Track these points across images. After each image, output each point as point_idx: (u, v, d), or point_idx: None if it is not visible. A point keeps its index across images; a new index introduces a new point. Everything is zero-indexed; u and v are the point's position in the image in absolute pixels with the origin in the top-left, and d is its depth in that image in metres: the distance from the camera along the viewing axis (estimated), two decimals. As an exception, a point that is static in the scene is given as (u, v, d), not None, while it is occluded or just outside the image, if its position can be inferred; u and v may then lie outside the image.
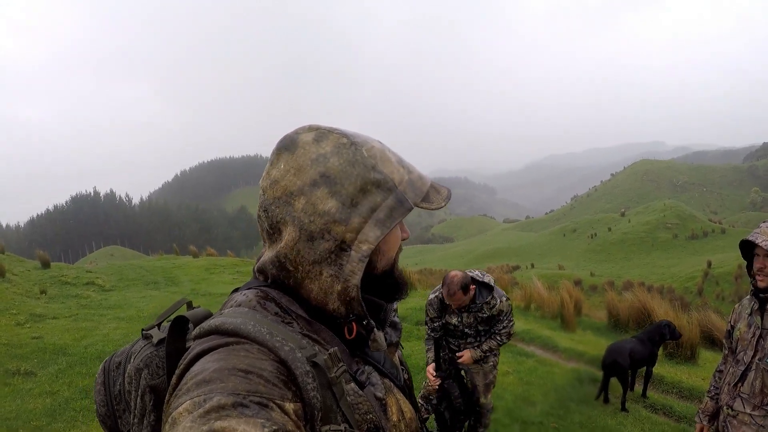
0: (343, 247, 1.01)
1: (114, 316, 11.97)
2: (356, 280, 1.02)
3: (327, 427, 0.89)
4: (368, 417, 0.99)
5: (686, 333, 8.96)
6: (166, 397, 0.85)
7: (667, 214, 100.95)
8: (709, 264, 55.27)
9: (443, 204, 1.13)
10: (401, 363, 1.32)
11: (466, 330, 4.61)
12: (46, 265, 19.87)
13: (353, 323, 1.08)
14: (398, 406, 1.11)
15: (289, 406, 0.82)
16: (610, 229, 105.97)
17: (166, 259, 27.09)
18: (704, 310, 11.08)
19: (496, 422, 5.79)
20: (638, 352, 6.68)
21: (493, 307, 4.46)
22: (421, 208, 1.10)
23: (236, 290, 1.13)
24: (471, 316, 4.52)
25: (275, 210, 1.05)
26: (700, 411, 3.44)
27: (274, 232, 1.07)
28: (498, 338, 4.57)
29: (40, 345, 9.07)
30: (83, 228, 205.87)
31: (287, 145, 1.07)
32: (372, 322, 1.11)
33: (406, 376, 1.29)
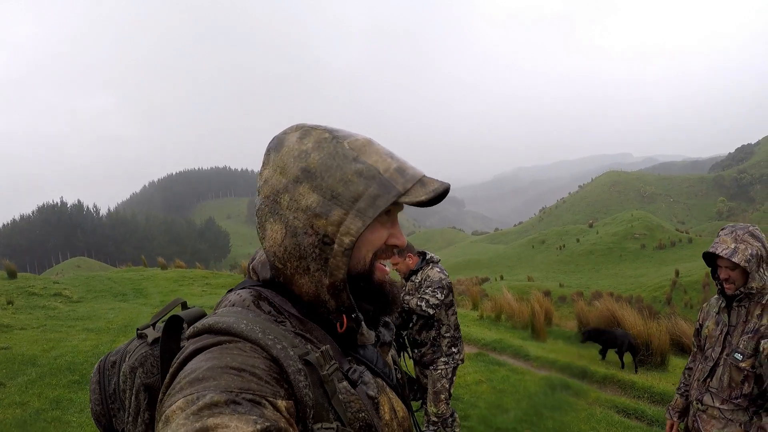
0: (326, 241, 1.01)
1: (83, 327, 11.77)
2: (342, 273, 1.02)
3: (319, 425, 0.89)
4: (360, 415, 1.00)
5: (656, 340, 9.17)
6: (160, 396, 0.85)
7: (635, 225, 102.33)
8: (677, 273, 56.12)
9: (441, 188, 1.05)
10: (394, 362, 1.31)
11: (405, 297, 4.59)
12: (12, 275, 19.53)
13: (343, 316, 1.08)
14: (391, 405, 1.12)
15: (282, 404, 0.83)
16: (578, 241, 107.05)
17: (135, 270, 26.73)
18: (673, 318, 11.22)
19: (470, 429, 5.84)
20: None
21: (426, 275, 4.60)
22: (412, 200, 1.02)
23: (231, 290, 1.14)
24: (410, 284, 4.71)
25: (264, 209, 1.07)
26: (670, 407, 3.52)
27: (263, 231, 1.09)
28: (417, 299, 4.49)
29: (9, 355, 8.91)
30: (50, 238, 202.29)
31: (275, 146, 1.09)
32: (360, 315, 1.09)
33: (398, 375, 1.29)
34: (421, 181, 1.06)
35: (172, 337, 1.10)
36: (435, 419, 4.78)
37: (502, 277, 70.39)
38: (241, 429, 0.71)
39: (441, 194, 1.06)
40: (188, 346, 0.91)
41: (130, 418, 1.19)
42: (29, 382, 7.45)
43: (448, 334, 4.74)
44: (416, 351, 4.80)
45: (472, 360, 9.02)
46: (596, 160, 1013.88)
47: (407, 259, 4.68)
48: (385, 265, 1.14)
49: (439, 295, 4.50)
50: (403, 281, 4.77)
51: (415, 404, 4.50)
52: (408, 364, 4.78)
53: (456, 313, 4.83)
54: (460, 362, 4.81)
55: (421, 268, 4.70)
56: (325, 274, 1.03)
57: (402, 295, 4.51)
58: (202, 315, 1.16)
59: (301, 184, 1.02)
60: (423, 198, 1.02)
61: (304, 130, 1.08)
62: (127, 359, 1.26)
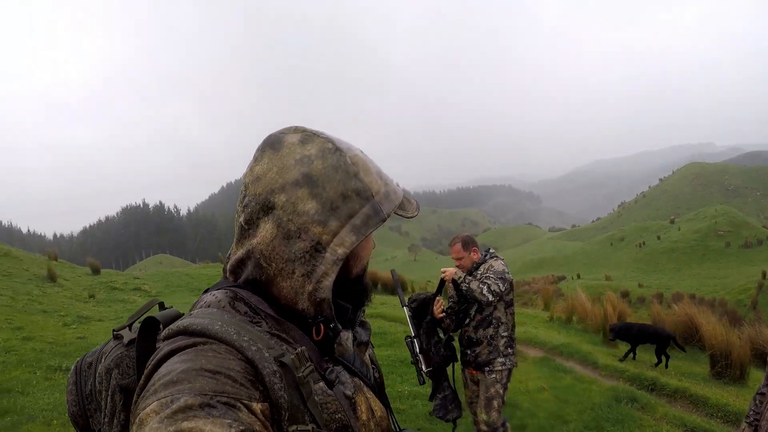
0: (318, 248, 1.02)
1: (156, 320, 12.30)
2: (329, 281, 1.03)
3: (294, 427, 0.89)
4: (337, 416, 1.00)
5: (736, 350, 8.63)
6: (134, 397, 0.85)
7: (719, 221, 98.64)
8: (765, 275, 53.47)
9: (415, 213, 1.22)
10: (372, 362, 1.32)
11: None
12: (96, 271, 20.62)
13: (321, 325, 1.08)
14: (368, 404, 1.12)
15: (257, 406, 0.82)
16: (659, 238, 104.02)
17: (212, 267, 27.61)
18: (757, 325, 10.57)
19: (528, 441, 5.71)
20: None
21: (490, 265, 4.51)
22: (397, 214, 1.16)
23: (207, 291, 1.13)
24: (471, 278, 4.50)
25: (255, 206, 1.06)
26: None
27: (249, 228, 1.07)
28: (479, 282, 4.31)
29: (83, 345, 9.37)
30: (133, 237, 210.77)
31: (272, 144, 1.09)
32: (339, 326, 1.11)
33: (376, 374, 1.30)
34: (402, 204, 1.17)
35: (148, 338, 1.08)
36: (485, 428, 4.59)
37: (578, 276, 69.22)
38: None
39: (418, 209, 1.25)
40: (163, 348, 0.91)
41: (106, 419, 1.20)
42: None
43: (505, 334, 4.57)
44: (470, 351, 4.64)
45: (536, 365, 8.85)
46: (677, 151, 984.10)
47: (472, 253, 4.61)
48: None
49: (501, 285, 4.32)
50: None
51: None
52: (457, 377, 4.61)
53: (514, 314, 4.69)
54: (514, 365, 4.64)
55: (484, 260, 4.59)
56: (309, 281, 1.03)
57: (460, 281, 4.39)
58: (178, 316, 1.15)
59: (300, 189, 1.03)
60: (415, 213, 1.22)
61: (306, 135, 1.09)
62: (103, 360, 1.26)
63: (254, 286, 1.08)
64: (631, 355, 9.53)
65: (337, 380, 1.06)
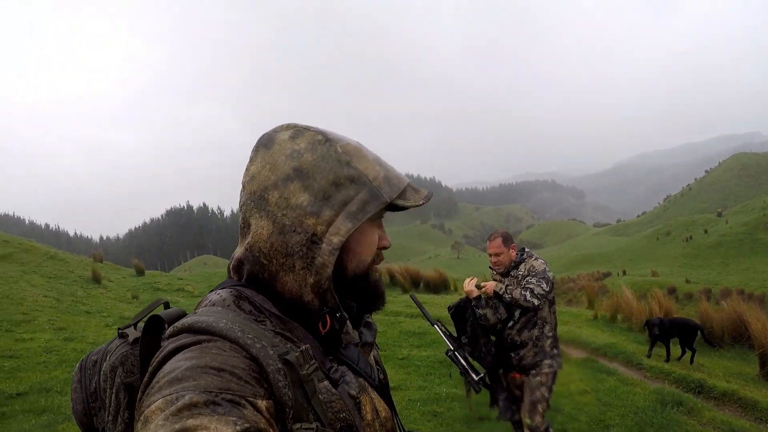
0: (314, 240, 1.02)
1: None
2: (328, 272, 1.03)
3: (298, 425, 0.89)
4: (341, 416, 0.99)
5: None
6: (139, 395, 0.84)
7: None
8: (816, 268, 52.05)
9: (421, 202, 1.14)
10: (377, 363, 1.30)
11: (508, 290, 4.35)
12: (140, 272, 21.10)
13: (326, 316, 1.08)
14: (373, 405, 1.11)
15: (262, 404, 0.82)
16: (706, 231, 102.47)
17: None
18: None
19: (567, 445, 5.58)
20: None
21: (531, 265, 4.39)
22: (398, 204, 1.10)
23: (212, 290, 1.13)
24: (511, 279, 4.46)
25: (250, 204, 1.07)
26: None
27: (246, 227, 1.09)
28: (521, 289, 4.26)
29: (125, 344, 9.54)
30: (178, 238, 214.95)
31: (264, 142, 1.10)
32: (345, 314, 1.10)
33: (381, 375, 1.28)
34: (404, 189, 1.12)
35: (153, 336, 1.07)
36: None
37: (624, 272, 68.15)
38: (221, 430, 0.71)
39: (428, 198, 1.16)
40: (167, 345, 0.91)
41: (110, 417, 1.18)
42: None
43: (551, 334, 4.44)
44: (513, 354, 4.47)
45: (579, 366, 8.66)
46: (722, 142, 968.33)
47: (511, 250, 4.48)
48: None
49: (544, 286, 4.23)
50: (500, 278, 4.55)
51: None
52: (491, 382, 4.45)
53: (556, 312, 4.58)
54: (560, 367, 4.49)
55: (522, 260, 4.48)
56: (310, 273, 1.03)
57: (502, 292, 4.32)
58: (183, 315, 1.11)
59: (292, 183, 1.04)
60: (421, 202, 1.13)
61: (297, 130, 1.10)
62: (107, 358, 1.24)
63: (258, 284, 1.09)
64: (665, 353, 9.37)
65: (342, 380, 1.05)
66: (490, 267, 4.66)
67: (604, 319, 13.53)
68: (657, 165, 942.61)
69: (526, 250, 4.58)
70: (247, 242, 1.08)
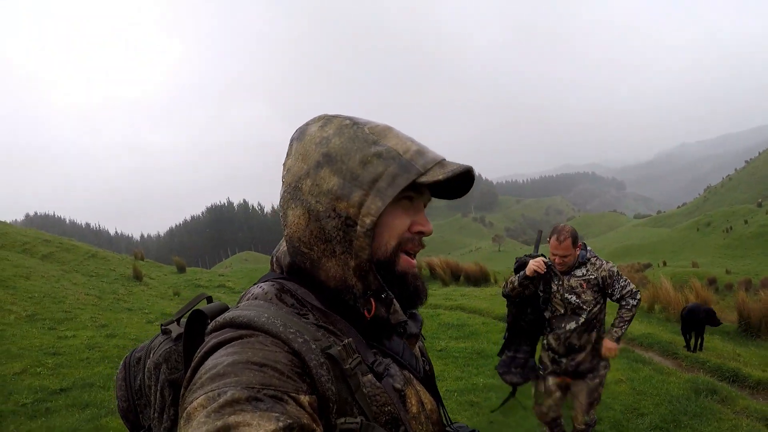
0: (348, 223, 1.01)
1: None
2: (366, 254, 1.02)
3: (342, 420, 0.89)
4: (386, 409, 0.98)
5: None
6: (182, 391, 0.85)
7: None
8: None
9: (459, 169, 1.03)
10: (422, 354, 1.29)
11: (566, 295, 4.19)
12: (181, 269, 21.26)
13: (371, 299, 1.08)
14: (418, 397, 1.09)
15: (304, 399, 0.81)
16: (746, 222, 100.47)
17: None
18: None
19: (600, 434, 5.59)
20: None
21: (599, 267, 4.20)
22: (429, 179, 1.01)
23: (255, 284, 1.14)
24: (576, 280, 4.20)
25: (287, 196, 1.08)
26: None
27: (286, 218, 1.09)
28: (625, 304, 4.18)
29: (167, 341, 9.68)
30: (219, 235, 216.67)
31: (298, 136, 1.11)
32: (390, 293, 1.08)
33: (427, 367, 1.26)
34: (441, 163, 1.05)
35: (195, 332, 1.09)
36: (582, 427, 4.50)
37: (664, 263, 67.09)
38: (264, 426, 0.70)
39: (459, 174, 1.05)
40: (209, 341, 0.92)
41: (155, 414, 1.21)
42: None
43: (603, 334, 4.33)
44: (567, 358, 4.29)
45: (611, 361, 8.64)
46: (763, 132, 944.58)
47: (578, 249, 4.22)
48: (412, 258, 1.11)
49: (631, 284, 4.22)
50: (560, 275, 4.28)
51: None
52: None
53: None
54: (609, 367, 4.47)
55: (586, 259, 4.26)
56: (351, 256, 1.02)
57: (562, 292, 4.22)
58: (225, 309, 1.15)
59: (322, 169, 1.03)
60: (440, 177, 1.01)
61: (326, 119, 1.10)
62: (151, 355, 1.28)
63: (300, 274, 1.09)
64: (692, 341, 9.22)
65: (386, 372, 1.04)
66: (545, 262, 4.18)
67: (641, 310, 13.35)
68: (697, 156, 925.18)
69: (589, 248, 4.37)
70: (286, 233, 1.09)
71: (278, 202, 1.15)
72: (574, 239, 4.11)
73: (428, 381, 1.20)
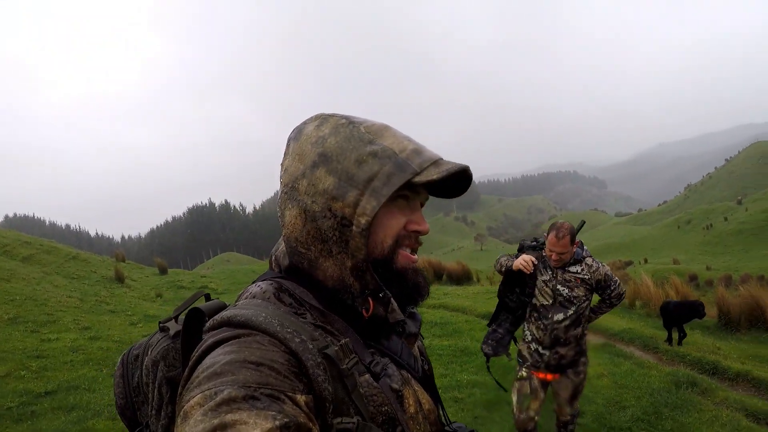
0: (344, 223, 1.01)
1: (221, 317, 12.63)
2: (362, 254, 1.02)
3: (339, 420, 0.89)
4: (383, 409, 0.98)
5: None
6: (179, 389, 0.86)
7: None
8: (836, 253, 51.40)
9: (454, 168, 1.02)
10: (421, 354, 1.29)
11: (559, 287, 4.17)
12: (163, 271, 21.16)
13: (369, 299, 1.08)
14: (416, 398, 1.10)
15: (301, 399, 0.82)
16: (726, 219, 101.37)
17: (278, 262, 27.99)
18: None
19: (583, 427, 5.62)
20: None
21: (595, 270, 4.21)
22: (423, 179, 1.00)
23: (254, 282, 1.14)
24: (570, 275, 4.20)
25: (284, 197, 1.09)
26: None
27: (284, 219, 1.10)
28: (610, 303, 4.35)
29: (150, 343, 9.62)
30: (201, 236, 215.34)
31: (294, 135, 1.11)
32: (388, 292, 1.08)
33: (426, 366, 1.26)
34: (437, 162, 1.04)
35: (193, 329, 1.09)
36: (567, 418, 4.54)
37: (645, 261, 67.46)
38: (260, 425, 0.70)
39: (454, 174, 1.05)
40: (207, 339, 0.92)
41: (153, 412, 1.22)
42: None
43: (586, 331, 4.41)
44: (550, 352, 4.26)
45: (596, 351, 8.69)
46: (742, 131, 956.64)
47: (575, 247, 4.20)
48: (411, 254, 1.11)
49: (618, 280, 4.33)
50: (556, 271, 4.25)
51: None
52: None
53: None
54: (588, 362, 4.52)
55: (581, 258, 4.26)
56: (348, 256, 1.03)
57: (554, 284, 4.20)
58: (223, 307, 1.15)
59: (318, 169, 1.03)
60: (434, 177, 1.00)
61: (323, 118, 1.10)
62: (149, 353, 1.28)
63: (299, 274, 1.10)
64: (675, 335, 9.42)
65: (383, 373, 1.04)
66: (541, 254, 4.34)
67: (622, 306, 13.47)
68: (677, 155, 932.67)
69: (585, 248, 4.39)
70: (284, 233, 1.10)
71: (277, 203, 1.14)
72: (572, 237, 4.09)
73: (427, 381, 1.21)
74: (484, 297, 14.27)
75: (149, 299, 15.95)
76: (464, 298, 14.27)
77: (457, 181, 1.12)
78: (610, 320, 10.95)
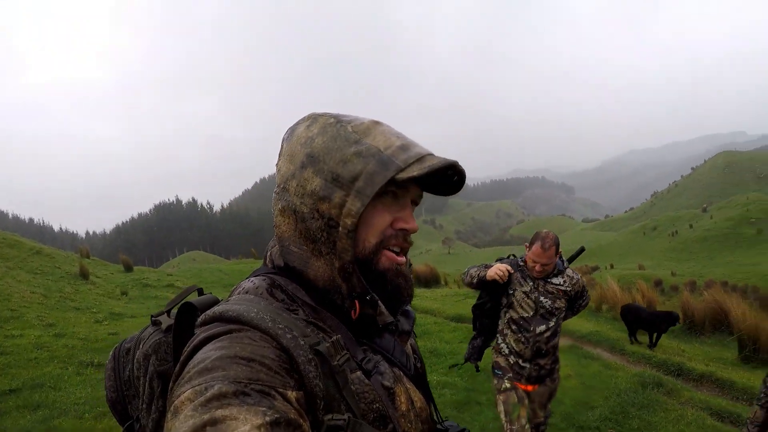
0: (331, 224, 1.01)
1: (188, 316, 12.50)
2: (348, 256, 1.01)
3: (330, 416, 0.88)
4: (374, 406, 0.98)
5: (765, 334, 8.64)
6: (170, 384, 0.85)
7: (751, 209, 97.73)
8: (798, 261, 52.54)
9: (438, 164, 1.01)
10: (414, 351, 1.28)
11: (542, 299, 4.03)
12: (128, 268, 20.87)
13: (356, 301, 1.06)
14: (408, 395, 1.09)
15: (292, 395, 0.81)
16: (691, 226, 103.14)
17: (245, 263, 27.84)
18: (788, 310, 10.39)
19: (552, 427, 5.62)
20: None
21: (576, 282, 4.13)
22: (403, 176, 0.99)
23: (247, 278, 1.13)
24: (552, 287, 4.07)
25: (276, 197, 1.10)
26: (749, 421, 3.26)
27: (276, 218, 1.11)
28: (577, 308, 4.33)
29: (115, 341, 9.41)
30: (167, 234, 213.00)
31: (287, 136, 1.11)
32: (375, 295, 1.06)
33: (418, 364, 1.25)
34: (421, 158, 1.03)
35: (185, 324, 1.08)
36: (542, 420, 4.48)
37: (612, 266, 68.43)
38: (250, 421, 0.70)
39: (440, 169, 1.03)
40: (198, 334, 0.91)
41: (144, 406, 1.21)
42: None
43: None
44: (531, 364, 4.14)
45: (564, 353, 8.74)
46: (708, 141, 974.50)
47: (556, 257, 4.08)
48: (398, 254, 1.09)
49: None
50: (537, 282, 4.12)
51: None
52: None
53: None
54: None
55: (563, 269, 4.16)
56: (335, 257, 1.02)
57: (536, 295, 4.08)
58: (215, 302, 1.13)
59: (306, 170, 1.04)
60: (415, 173, 0.99)
61: (313, 118, 1.10)
62: (141, 346, 1.27)
63: (291, 272, 1.09)
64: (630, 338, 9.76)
65: (375, 370, 1.04)
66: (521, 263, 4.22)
67: (589, 310, 13.62)
68: (644, 163, 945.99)
69: (564, 258, 4.29)
70: (277, 233, 1.10)
71: (272, 202, 1.14)
72: (557, 248, 3.97)
73: (419, 379, 1.20)
74: (452, 299, 14.37)
75: (114, 297, 15.75)
76: (432, 300, 14.37)
77: (449, 177, 1.11)
78: (577, 323, 11.06)
